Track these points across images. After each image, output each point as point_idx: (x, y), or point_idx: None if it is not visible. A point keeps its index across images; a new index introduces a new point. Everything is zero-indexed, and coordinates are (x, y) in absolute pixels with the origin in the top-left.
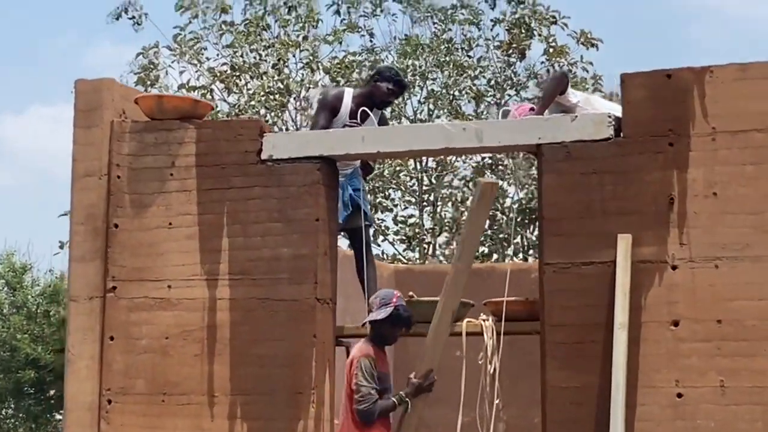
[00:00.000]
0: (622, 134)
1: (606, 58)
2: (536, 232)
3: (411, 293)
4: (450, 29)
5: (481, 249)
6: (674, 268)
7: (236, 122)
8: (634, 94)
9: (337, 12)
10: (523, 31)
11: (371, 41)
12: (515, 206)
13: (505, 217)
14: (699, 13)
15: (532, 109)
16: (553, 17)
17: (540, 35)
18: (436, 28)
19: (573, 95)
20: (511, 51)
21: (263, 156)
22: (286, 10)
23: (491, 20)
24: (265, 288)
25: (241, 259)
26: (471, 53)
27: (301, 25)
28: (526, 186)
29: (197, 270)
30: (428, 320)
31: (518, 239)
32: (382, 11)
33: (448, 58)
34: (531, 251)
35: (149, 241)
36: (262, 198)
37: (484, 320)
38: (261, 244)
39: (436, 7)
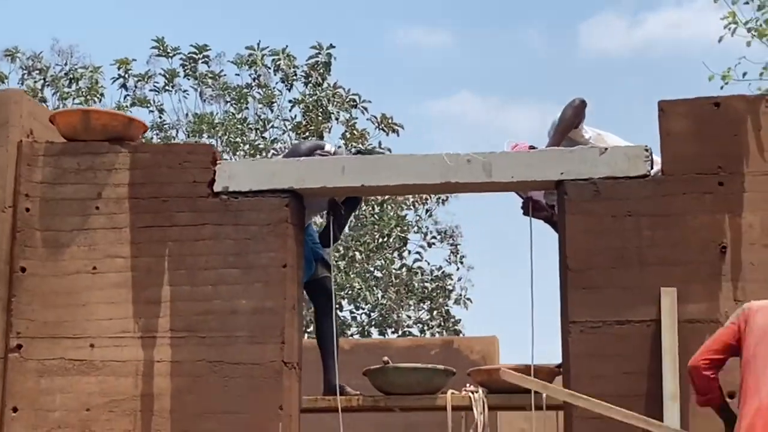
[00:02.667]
0: (661, 171)
1: (407, 144)
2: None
3: (386, 358)
4: (247, 108)
5: None
6: None
7: (182, 146)
8: (675, 125)
9: (124, 86)
10: (320, 113)
11: (161, 117)
12: None
13: None
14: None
15: (532, 147)
16: (353, 101)
17: (338, 119)
18: (232, 107)
19: (585, 130)
20: (307, 133)
21: (216, 188)
22: (67, 81)
23: (289, 101)
24: (217, 348)
25: (187, 313)
26: (266, 134)
27: (83, 98)
28: None
29: (129, 325)
30: (406, 391)
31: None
32: (173, 86)
33: (241, 139)
34: None
35: (67, 289)
36: (214, 238)
37: (472, 392)
38: (212, 295)
39: (230, 85)
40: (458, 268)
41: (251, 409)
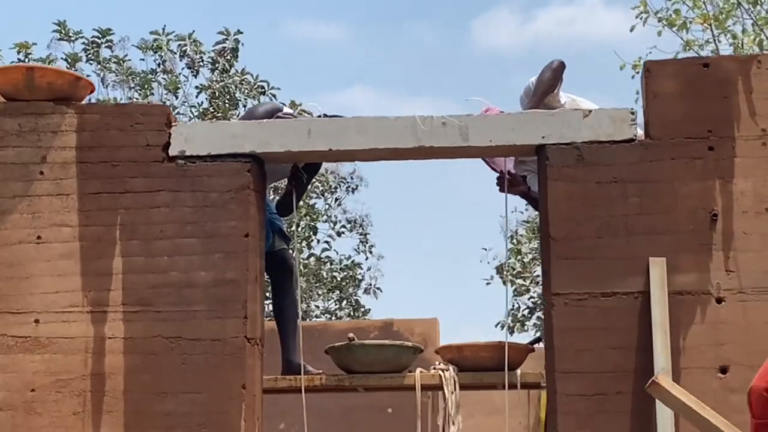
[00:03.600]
0: (648, 135)
1: None
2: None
3: (351, 334)
4: (152, 94)
5: None
6: (720, 301)
7: (134, 107)
8: (662, 86)
9: None
10: (227, 100)
11: None
12: None
13: None
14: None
15: (501, 112)
16: (262, 87)
17: (245, 105)
18: (137, 93)
19: (561, 96)
20: (214, 120)
21: (172, 152)
22: None
23: (195, 87)
24: (174, 324)
25: (141, 286)
26: None
27: None
28: None
29: (77, 299)
30: (372, 369)
31: None
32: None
33: None
34: None
35: (9, 261)
36: (170, 206)
37: (443, 370)
38: (168, 266)
39: (134, 70)
40: (367, 258)
41: (212, 388)
